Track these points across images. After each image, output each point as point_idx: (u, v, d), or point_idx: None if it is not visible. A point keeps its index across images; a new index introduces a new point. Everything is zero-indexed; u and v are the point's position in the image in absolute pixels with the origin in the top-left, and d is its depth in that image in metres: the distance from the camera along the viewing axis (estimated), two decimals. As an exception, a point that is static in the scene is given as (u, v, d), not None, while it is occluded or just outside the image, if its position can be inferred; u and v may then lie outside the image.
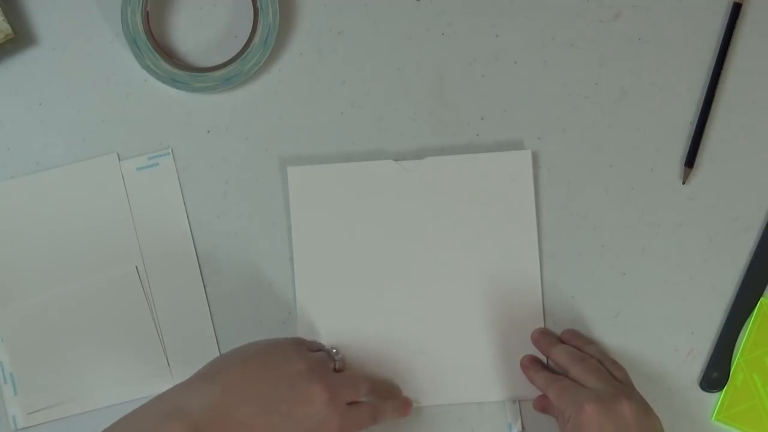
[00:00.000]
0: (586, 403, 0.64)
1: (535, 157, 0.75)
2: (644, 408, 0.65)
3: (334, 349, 0.71)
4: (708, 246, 0.75)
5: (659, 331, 0.75)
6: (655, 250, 0.75)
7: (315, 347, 0.70)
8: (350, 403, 0.66)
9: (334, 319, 0.74)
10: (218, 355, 0.72)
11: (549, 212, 0.75)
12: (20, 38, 0.75)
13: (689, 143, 0.76)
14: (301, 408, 0.63)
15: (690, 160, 0.75)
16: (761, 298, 0.74)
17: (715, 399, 0.74)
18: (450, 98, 0.76)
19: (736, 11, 0.76)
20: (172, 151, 0.75)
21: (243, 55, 0.74)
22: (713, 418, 0.74)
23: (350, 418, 0.65)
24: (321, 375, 0.65)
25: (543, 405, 0.72)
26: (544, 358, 0.73)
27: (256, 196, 0.75)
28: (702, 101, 0.76)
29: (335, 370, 0.68)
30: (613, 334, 0.74)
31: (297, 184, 0.74)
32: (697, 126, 0.76)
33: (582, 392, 0.66)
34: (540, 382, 0.70)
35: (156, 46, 0.74)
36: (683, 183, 0.76)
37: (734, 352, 0.74)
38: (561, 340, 0.73)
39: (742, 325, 0.74)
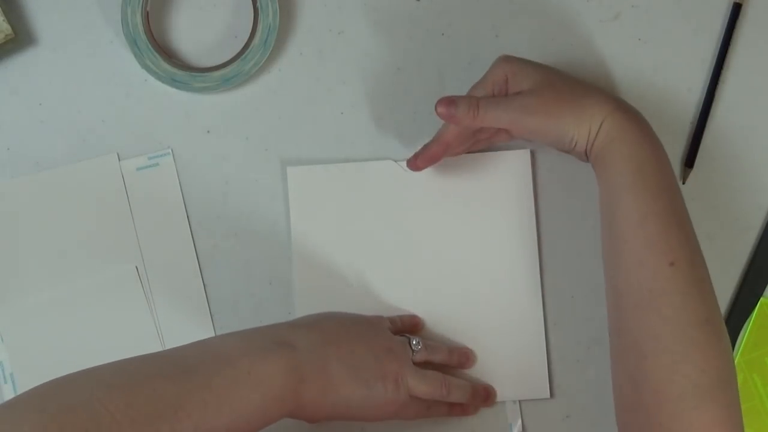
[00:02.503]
0: (503, 55, 0.71)
1: (534, 157, 0.75)
2: None
3: (414, 340, 0.69)
4: (708, 246, 0.75)
5: (659, 331, 0.74)
6: (655, 250, 0.75)
7: (395, 328, 0.71)
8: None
9: (334, 319, 0.74)
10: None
11: (549, 212, 0.75)
12: (20, 38, 0.75)
13: (689, 143, 0.76)
14: (378, 382, 0.65)
15: (690, 160, 0.75)
16: (761, 298, 0.74)
17: (715, 399, 0.74)
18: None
19: (736, 11, 0.76)
20: (172, 151, 0.75)
21: (243, 55, 0.74)
22: (713, 418, 0.74)
23: (406, 408, 0.67)
24: (399, 359, 0.67)
25: (479, 109, 0.69)
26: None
27: (256, 196, 0.75)
28: (702, 101, 0.76)
29: (413, 361, 0.69)
30: (613, 334, 0.74)
31: (296, 184, 0.74)
32: (697, 126, 0.76)
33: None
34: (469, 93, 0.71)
35: (156, 46, 0.74)
36: (683, 183, 0.76)
37: (734, 352, 0.74)
38: None
39: (742, 325, 0.74)
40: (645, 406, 0.61)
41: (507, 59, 0.70)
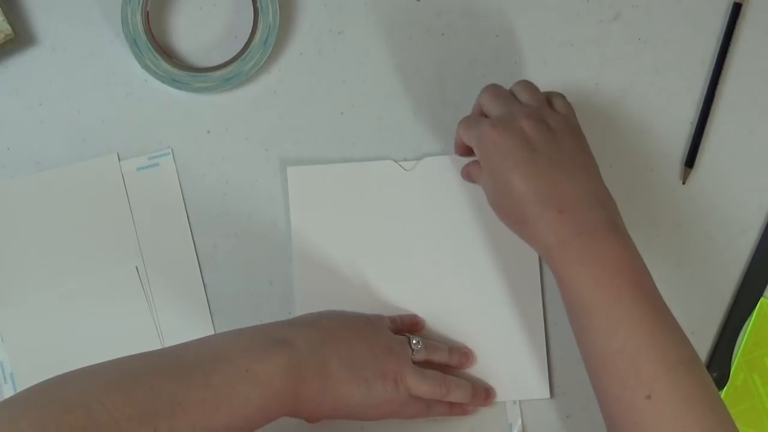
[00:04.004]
0: (485, 128, 0.64)
1: (535, 157, 0.75)
2: (548, 125, 0.64)
3: (414, 339, 0.69)
4: (708, 246, 0.75)
5: (659, 331, 0.74)
6: (655, 250, 0.75)
7: (395, 327, 0.71)
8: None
9: (334, 319, 0.74)
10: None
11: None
12: (20, 38, 0.75)
13: (689, 143, 0.76)
14: (378, 381, 0.65)
15: (690, 160, 0.75)
16: (761, 298, 0.74)
17: (715, 399, 0.74)
18: (450, 98, 0.76)
19: (736, 11, 0.76)
20: (172, 151, 0.75)
21: (243, 55, 0.74)
22: (713, 418, 0.74)
23: (406, 407, 0.67)
24: (399, 358, 0.67)
25: (468, 171, 0.73)
26: None
27: (256, 196, 0.75)
28: (702, 101, 0.76)
29: (413, 360, 0.68)
30: (613, 334, 0.74)
31: (297, 185, 0.74)
32: (697, 126, 0.76)
33: (483, 120, 0.66)
34: (458, 129, 0.70)
35: (156, 46, 0.74)
36: (683, 183, 0.76)
37: (734, 352, 0.74)
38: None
39: (742, 325, 0.74)
40: None
41: (482, 125, 0.65)
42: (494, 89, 0.68)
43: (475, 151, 0.67)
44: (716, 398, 0.59)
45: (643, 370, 0.59)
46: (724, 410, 0.59)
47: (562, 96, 0.69)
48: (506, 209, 0.65)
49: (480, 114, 0.69)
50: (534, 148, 0.63)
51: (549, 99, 0.68)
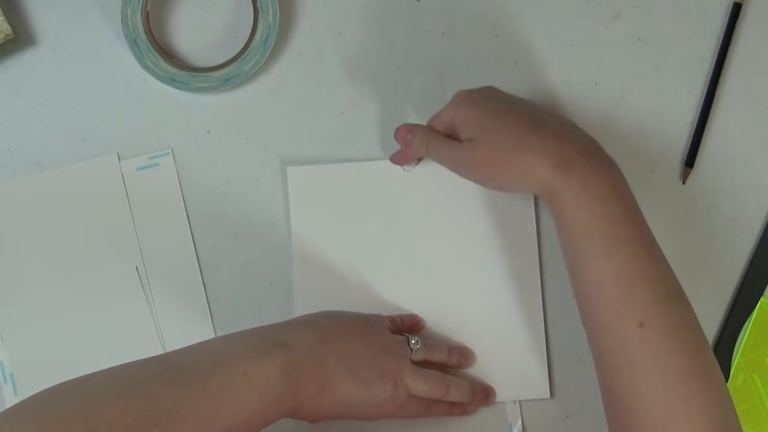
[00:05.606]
0: (461, 95, 0.69)
1: (535, 157, 0.75)
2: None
3: (413, 339, 0.69)
4: (708, 246, 0.75)
5: (659, 331, 0.74)
6: (655, 250, 0.75)
7: (394, 327, 0.71)
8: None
9: (334, 319, 0.74)
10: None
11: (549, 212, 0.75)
12: (20, 38, 0.75)
13: (689, 143, 0.76)
14: (377, 381, 0.65)
15: (690, 160, 0.75)
16: (761, 298, 0.75)
17: (715, 399, 0.74)
18: (450, 98, 0.76)
19: (736, 11, 0.76)
20: (172, 151, 0.75)
21: (243, 55, 0.74)
22: (713, 418, 0.74)
23: (405, 407, 0.67)
24: (397, 358, 0.67)
25: (410, 143, 0.72)
26: None
27: (256, 196, 0.75)
28: (702, 101, 0.76)
29: (412, 360, 0.68)
30: (613, 334, 0.74)
31: (297, 184, 0.74)
32: (697, 126, 0.76)
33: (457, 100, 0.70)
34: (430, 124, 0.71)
35: (156, 46, 0.74)
36: (683, 183, 0.76)
37: (734, 352, 0.74)
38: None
39: (742, 325, 0.74)
40: None
41: (457, 103, 0.69)
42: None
43: (459, 120, 0.68)
44: (701, 332, 0.61)
45: (636, 296, 0.60)
46: (707, 343, 0.61)
47: None
48: (499, 146, 0.65)
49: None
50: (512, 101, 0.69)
51: None
